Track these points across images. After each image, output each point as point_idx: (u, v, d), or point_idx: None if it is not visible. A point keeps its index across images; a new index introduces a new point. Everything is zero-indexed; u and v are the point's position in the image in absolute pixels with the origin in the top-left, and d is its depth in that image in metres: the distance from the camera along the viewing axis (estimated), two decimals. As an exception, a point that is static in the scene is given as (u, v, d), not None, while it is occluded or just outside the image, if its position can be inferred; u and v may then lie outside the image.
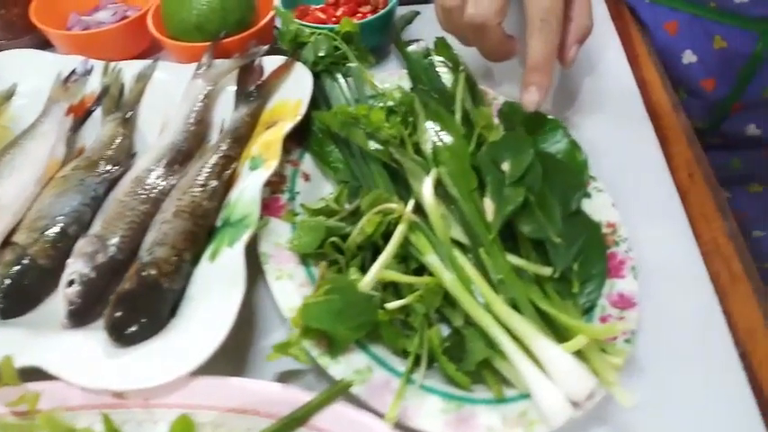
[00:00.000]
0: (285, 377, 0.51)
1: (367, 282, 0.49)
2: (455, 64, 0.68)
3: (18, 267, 0.55)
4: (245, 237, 0.52)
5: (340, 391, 0.45)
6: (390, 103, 0.61)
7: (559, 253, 0.51)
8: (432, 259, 0.51)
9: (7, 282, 0.54)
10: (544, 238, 0.52)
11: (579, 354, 0.46)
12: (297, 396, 0.45)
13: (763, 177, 0.79)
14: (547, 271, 0.51)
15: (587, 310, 0.52)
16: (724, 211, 0.60)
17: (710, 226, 0.59)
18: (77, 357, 0.48)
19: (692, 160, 0.65)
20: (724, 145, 0.78)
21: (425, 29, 0.75)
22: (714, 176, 0.63)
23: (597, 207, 0.57)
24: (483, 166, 0.55)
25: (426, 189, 0.53)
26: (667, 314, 0.53)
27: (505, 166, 0.54)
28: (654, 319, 0.52)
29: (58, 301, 0.53)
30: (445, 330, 0.52)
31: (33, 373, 0.46)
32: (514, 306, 0.49)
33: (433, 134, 0.59)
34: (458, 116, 0.62)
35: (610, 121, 0.70)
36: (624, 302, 0.51)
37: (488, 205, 0.53)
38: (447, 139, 0.58)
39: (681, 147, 0.67)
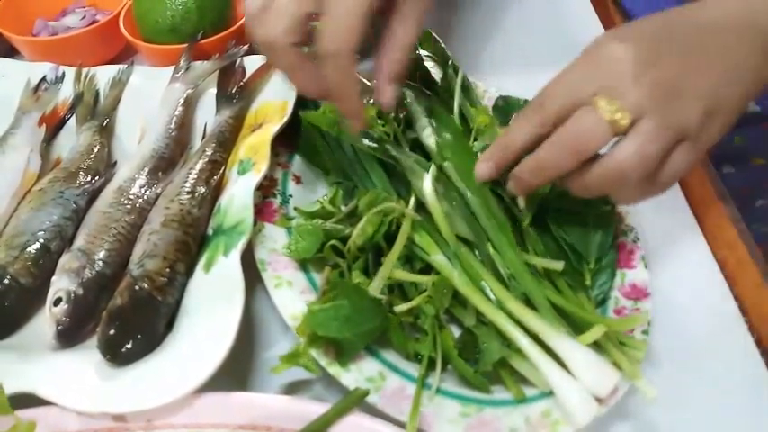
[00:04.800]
0: (292, 389, 0.49)
1: (375, 286, 0.47)
2: (443, 57, 0.67)
3: (-2, 288, 0.52)
4: (241, 245, 0.50)
5: (356, 401, 0.43)
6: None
7: (591, 241, 0.50)
8: (439, 258, 0.49)
9: (-13, 303, 0.51)
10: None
11: (598, 348, 0.45)
12: (309, 408, 0.43)
13: (764, 151, 0.79)
14: (558, 265, 0.49)
15: (600, 303, 0.51)
16: (724, 196, 0.59)
17: (712, 211, 0.58)
18: (71, 380, 0.45)
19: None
20: None
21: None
22: (711, 161, 0.62)
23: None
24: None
25: (427, 185, 0.51)
26: (677, 303, 0.52)
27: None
28: (664, 308, 0.51)
29: (45, 322, 0.50)
30: (455, 331, 0.50)
31: (25, 400, 0.43)
32: (527, 302, 0.47)
33: (432, 131, 0.57)
34: (456, 111, 0.60)
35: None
36: (637, 293, 0.50)
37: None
38: (446, 134, 0.56)
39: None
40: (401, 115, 0.59)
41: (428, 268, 0.51)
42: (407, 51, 0.50)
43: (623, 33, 0.46)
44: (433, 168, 0.53)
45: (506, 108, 0.63)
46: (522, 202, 0.53)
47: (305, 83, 0.52)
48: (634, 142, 0.43)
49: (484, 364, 0.46)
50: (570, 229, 0.53)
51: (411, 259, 0.51)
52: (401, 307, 0.48)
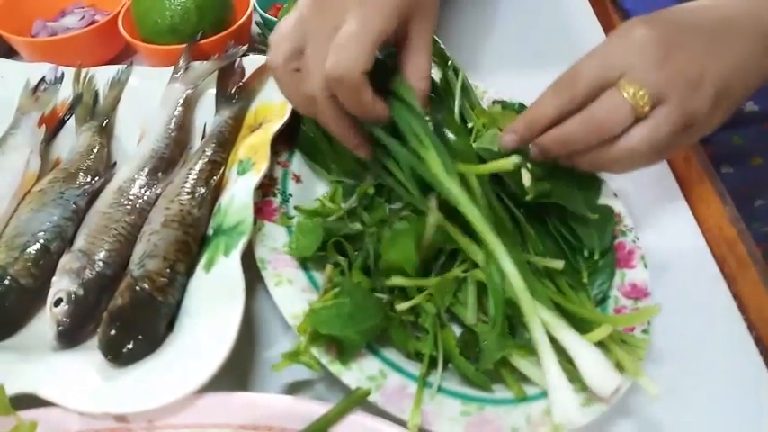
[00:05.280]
0: (293, 388, 0.49)
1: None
2: (443, 59, 0.67)
3: (-1, 288, 0.52)
4: (241, 244, 0.50)
5: (357, 400, 0.43)
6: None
7: (593, 235, 0.50)
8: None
9: (-12, 304, 0.51)
10: (584, 214, 0.51)
11: (601, 347, 0.45)
12: (310, 408, 0.43)
13: (763, 151, 0.79)
14: (558, 264, 0.49)
15: (600, 302, 0.51)
16: (723, 195, 0.60)
17: (712, 211, 0.59)
18: (73, 380, 0.45)
19: (687, 145, 0.64)
20: (724, 124, 0.78)
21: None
22: (710, 161, 0.63)
23: (600, 197, 0.56)
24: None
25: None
26: (677, 302, 0.52)
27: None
28: (663, 307, 0.51)
29: (45, 322, 0.50)
30: (456, 329, 0.50)
31: (26, 400, 0.43)
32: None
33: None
34: (456, 112, 0.60)
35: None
36: (637, 292, 0.50)
37: (526, 175, 0.53)
38: (449, 135, 0.56)
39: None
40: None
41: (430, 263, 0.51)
42: (428, 80, 0.50)
43: (652, 19, 0.49)
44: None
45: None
46: (526, 178, 0.53)
47: (345, 134, 0.51)
48: (650, 128, 0.47)
49: (485, 363, 0.46)
50: (568, 227, 0.53)
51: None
52: (402, 305, 0.48)
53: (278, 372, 0.46)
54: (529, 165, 0.56)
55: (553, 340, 0.44)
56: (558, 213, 0.53)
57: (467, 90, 0.64)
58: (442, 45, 0.68)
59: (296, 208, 0.57)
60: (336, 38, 0.45)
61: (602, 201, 0.56)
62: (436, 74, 0.66)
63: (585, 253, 0.52)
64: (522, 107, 0.63)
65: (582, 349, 0.43)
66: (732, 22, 0.49)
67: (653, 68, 0.47)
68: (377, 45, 0.45)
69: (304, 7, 0.48)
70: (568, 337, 0.44)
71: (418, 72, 0.50)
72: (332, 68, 0.45)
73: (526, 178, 0.53)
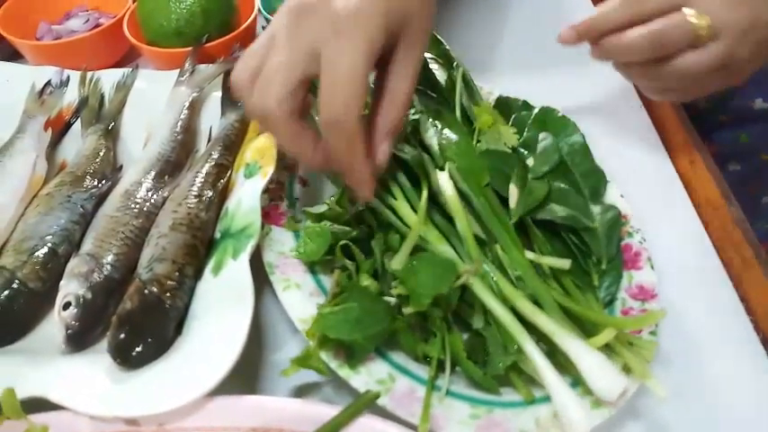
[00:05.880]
0: (301, 391, 0.49)
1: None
2: (448, 60, 0.67)
3: (7, 292, 0.52)
4: (249, 247, 0.50)
5: (366, 403, 0.43)
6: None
7: (597, 239, 0.51)
8: (447, 250, 0.49)
9: (-4, 308, 0.51)
10: (578, 226, 0.51)
11: (608, 348, 0.45)
12: (320, 411, 0.43)
13: None
14: (565, 263, 0.49)
15: (607, 304, 0.51)
16: (728, 197, 0.60)
17: (717, 213, 0.59)
18: (83, 384, 0.45)
19: (692, 147, 0.65)
20: (732, 122, 0.78)
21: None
22: (717, 158, 0.63)
23: (606, 199, 0.57)
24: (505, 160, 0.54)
25: (444, 182, 0.51)
26: (684, 304, 0.53)
27: (530, 162, 0.53)
28: (670, 309, 0.52)
29: (54, 326, 0.50)
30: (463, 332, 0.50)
31: (37, 404, 0.43)
32: (535, 303, 0.47)
33: (436, 132, 0.57)
34: (458, 113, 0.60)
35: (603, 111, 0.70)
36: (645, 294, 0.50)
37: (513, 191, 0.53)
38: (451, 136, 0.57)
39: (678, 134, 0.67)
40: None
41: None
42: (404, 109, 0.46)
43: None
44: (449, 165, 0.53)
45: (506, 108, 0.63)
46: (513, 197, 0.53)
47: (306, 155, 0.47)
48: (700, 56, 0.54)
49: (493, 368, 0.46)
50: (576, 233, 0.53)
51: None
52: (409, 309, 0.48)
53: (287, 377, 0.46)
54: (531, 161, 0.56)
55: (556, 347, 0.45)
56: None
57: (471, 90, 0.64)
58: (446, 46, 0.68)
59: (303, 211, 0.57)
60: (323, 78, 0.42)
61: (608, 202, 0.56)
62: (441, 75, 0.66)
63: (594, 258, 0.52)
64: (526, 105, 0.64)
65: (585, 355, 0.43)
66: None
67: (720, 8, 0.53)
68: (366, 82, 0.42)
69: (277, 21, 0.46)
70: (570, 343, 0.44)
71: (397, 98, 0.46)
72: (326, 114, 0.43)
73: (513, 197, 0.53)
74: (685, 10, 0.53)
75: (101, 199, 0.59)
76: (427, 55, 0.68)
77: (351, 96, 0.42)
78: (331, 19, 0.42)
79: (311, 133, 0.47)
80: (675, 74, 0.55)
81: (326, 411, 0.43)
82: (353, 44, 0.41)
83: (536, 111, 0.61)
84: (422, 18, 0.45)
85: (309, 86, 0.45)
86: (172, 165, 0.61)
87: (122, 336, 0.47)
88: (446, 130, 0.57)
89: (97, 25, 0.79)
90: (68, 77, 0.70)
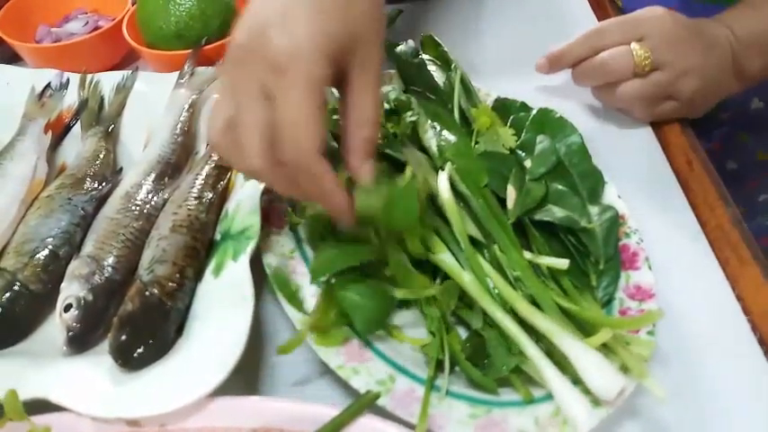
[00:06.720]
0: (301, 392, 0.50)
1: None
2: (446, 62, 0.67)
3: (8, 294, 0.52)
4: (249, 249, 0.51)
5: (367, 403, 0.43)
6: (386, 106, 0.60)
7: (595, 240, 0.51)
8: (446, 258, 0.50)
9: (-2, 310, 0.51)
10: (575, 227, 0.51)
11: (606, 348, 0.45)
12: (321, 411, 0.43)
13: None
14: (563, 263, 0.50)
15: (605, 304, 0.51)
16: (725, 197, 0.60)
17: (714, 213, 0.59)
18: (85, 385, 0.45)
19: (689, 148, 0.65)
20: (729, 122, 0.79)
21: (410, 26, 0.74)
22: (715, 157, 0.63)
23: (604, 199, 0.57)
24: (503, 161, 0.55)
25: (442, 182, 0.52)
26: (680, 304, 0.53)
27: (528, 163, 0.53)
28: (667, 309, 0.52)
29: (55, 328, 0.51)
30: (462, 332, 0.51)
31: (38, 406, 0.43)
32: (533, 303, 0.48)
33: (434, 133, 0.57)
34: (456, 114, 0.61)
35: (600, 112, 0.70)
36: (642, 294, 0.51)
37: (510, 192, 0.53)
38: (450, 137, 0.57)
39: (676, 134, 0.67)
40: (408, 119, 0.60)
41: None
42: (375, 125, 0.45)
43: (676, 14, 0.64)
44: (449, 166, 0.54)
45: (504, 110, 0.63)
46: (510, 198, 0.54)
47: (291, 192, 0.48)
48: (641, 83, 0.63)
49: (496, 371, 0.46)
50: (574, 234, 0.54)
51: (422, 263, 0.51)
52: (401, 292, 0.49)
53: (286, 375, 0.46)
54: (528, 162, 0.57)
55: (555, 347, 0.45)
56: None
57: (469, 91, 0.65)
58: (445, 48, 0.69)
59: (302, 210, 0.57)
60: (275, 122, 0.41)
61: (606, 202, 0.56)
62: (439, 76, 0.67)
63: (592, 258, 0.52)
64: (524, 106, 0.64)
65: (582, 354, 0.44)
66: (721, 43, 0.64)
67: (665, 44, 0.62)
68: (317, 117, 0.41)
69: (225, 67, 0.45)
70: (568, 343, 0.44)
71: (362, 116, 0.45)
72: (284, 157, 0.42)
73: (510, 198, 0.54)
74: (633, 44, 0.62)
75: (101, 201, 0.59)
76: (426, 57, 0.69)
77: (302, 138, 0.41)
78: (269, 59, 0.41)
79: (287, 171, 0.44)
80: (624, 96, 0.64)
81: (327, 412, 0.43)
82: (294, 84, 0.40)
83: (534, 112, 0.62)
84: (370, 33, 0.44)
85: None
86: (172, 167, 0.62)
87: (123, 337, 0.48)
88: (444, 132, 0.58)
89: (96, 28, 0.79)
90: (68, 80, 0.71)
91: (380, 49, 0.45)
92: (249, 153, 0.42)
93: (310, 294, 0.51)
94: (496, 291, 0.48)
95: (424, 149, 0.58)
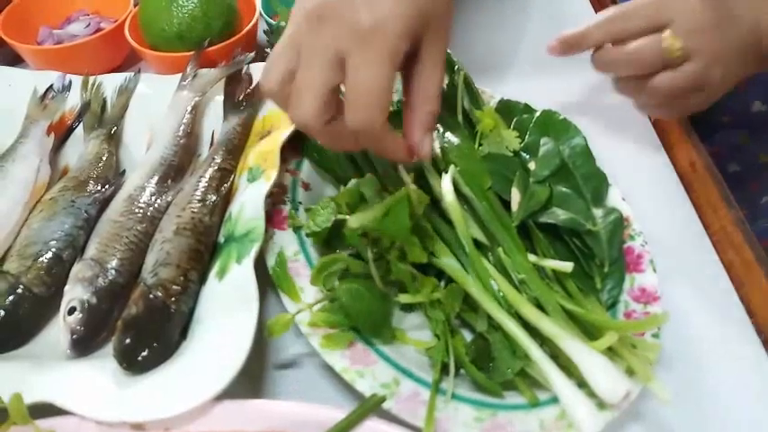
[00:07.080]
0: (305, 395, 0.50)
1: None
2: (450, 64, 0.67)
3: (12, 297, 0.52)
4: (253, 252, 0.50)
5: (372, 407, 0.43)
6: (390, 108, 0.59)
7: (600, 242, 0.51)
8: (450, 261, 0.50)
9: (1, 313, 0.51)
10: (580, 229, 0.52)
11: (611, 352, 0.45)
12: (326, 414, 0.43)
13: None
14: (567, 266, 0.50)
15: (610, 307, 0.51)
16: (728, 199, 0.60)
17: (718, 215, 0.59)
18: (89, 389, 0.45)
19: (692, 149, 0.65)
20: (732, 124, 0.79)
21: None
22: (717, 159, 0.63)
23: (608, 201, 0.57)
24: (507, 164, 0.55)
25: (446, 185, 0.51)
26: (685, 306, 0.53)
27: (531, 166, 0.53)
28: (673, 311, 0.52)
29: (59, 331, 0.51)
30: (467, 335, 0.51)
31: (43, 410, 0.43)
32: (538, 306, 0.48)
33: (438, 135, 0.57)
34: (460, 117, 0.60)
35: (604, 114, 0.70)
36: (647, 297, 0.51)
37: (515, 195, 0.53)
38: (453, 139, 0.57)
39: (679, 136, 0.67)
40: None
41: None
42: (437, 101, 0.47)
43: None
44: (452, 168, 0.54)
45: (508, 112, 0.63)
46: (515, 201, 0.54)
47: (347, 149, 0.51)
48: (672, 76, 0.57)
49: (501, 374, 0.46)
50: (578, 236, 0.54)
51: (425, 266, 0.51)
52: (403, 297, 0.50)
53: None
54: (532, 165, 0.57)
55: (559, 350, 0.45)
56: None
57: (473, 93, 0.64)
58: (448, 50, 0.68)
59: (306, 210, 0.56)
60: (349, 87, 0.43)
61: (610, 205, 0.56)
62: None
63: (596, 261, 0.52)
64: (527, 108, 0.64)
65: (588, 358, 0.44)
66: (746, 25, 0.58)
67: (697, 30, 0.56)
68: (391, 89, 0.43)
69: (296, 24, 0.45)
70: (573, 346, 0.44)
71: (428, 91, 0.47)
72: (351, 124, 0.43)
73: (514, 200, 0.54)
74: (665, 32, 0.56)
75: (104, 203, 0.59)
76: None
77: (375, 107, 0.43)
78: (354, 28, 0.42)
79: (348, 132, 0.46)
80: (654, 91, 0.59)
81: (333, 415, 0.43)
82: (378, 55, 0.42)
83: (537, 114, 0.62)
84: (443, 15, 0.46)
85: (340, 90, 0.46)
86: (174, 169, 0.62)
87: (128, 340, 0.48)
88: (448, 134, 0.58)
89: (98, 29, 0.79)
90: (70, 82, 0.70)
91: (449, 29, 0.47)
92: (306, 110, 0.44)
93: (312, 296, 0.51)
94: (501, 294, 0.48)
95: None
